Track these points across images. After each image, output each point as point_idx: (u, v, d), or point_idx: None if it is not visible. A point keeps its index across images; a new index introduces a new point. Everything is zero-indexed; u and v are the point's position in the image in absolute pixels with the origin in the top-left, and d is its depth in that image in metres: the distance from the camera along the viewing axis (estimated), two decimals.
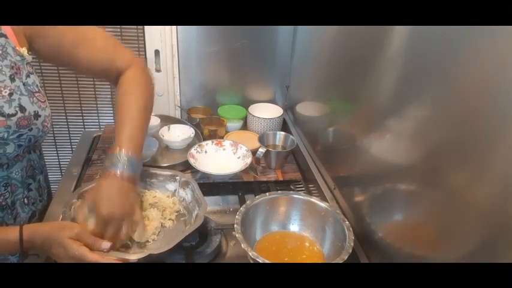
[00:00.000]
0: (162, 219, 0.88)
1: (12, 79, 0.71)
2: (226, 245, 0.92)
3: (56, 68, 1.42)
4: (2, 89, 0.69)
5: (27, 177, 0.82)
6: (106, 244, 0.71)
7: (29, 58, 0.75)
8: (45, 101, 0.76)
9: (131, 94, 0.83)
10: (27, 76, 0.74)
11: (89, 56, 0.81)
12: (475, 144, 0.53)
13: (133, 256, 0.71)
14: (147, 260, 0.71)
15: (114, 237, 0.74)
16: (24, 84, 0.73)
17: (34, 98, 0.74)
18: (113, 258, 0.70)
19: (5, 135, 0.69)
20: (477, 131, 0.53)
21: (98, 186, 0.75)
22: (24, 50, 0.74)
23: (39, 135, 0.75)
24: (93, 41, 0.82)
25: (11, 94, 0.70)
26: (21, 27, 0.73)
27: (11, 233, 0.68)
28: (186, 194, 0.92)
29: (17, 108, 0.70)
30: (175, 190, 0.94)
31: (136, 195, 0.81)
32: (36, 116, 0.73)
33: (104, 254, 0.70)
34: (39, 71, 1.42)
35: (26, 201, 0.83)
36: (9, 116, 0.69)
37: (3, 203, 0.77)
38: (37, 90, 0.75)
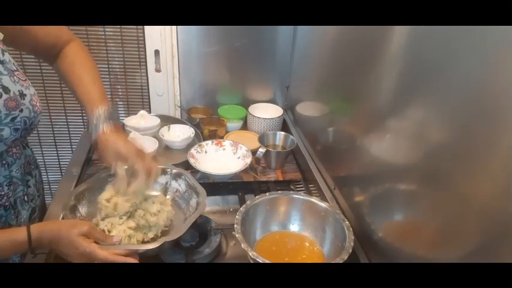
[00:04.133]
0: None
1: None
2: (226, 245, 0.92)
3: None
4: None
5: (25, 174, 0.82)
6: (117, 237, 0.73)
7: (0, 36, 0.72)
8: (26, 79, 0.75)
9: (85, 62, 0.86)
10: (3, 54, 0.71)
11: (39, 30, 0.81)
12: (475, 144, 0.53)
13: (148, 246, 0.73)
14: (161, 249, 0.73)
15: (150, 167, 0.79)
16: (1, 62, 0.70)
17: (15, 77, 0.71)
18: (124, 252, 0.71)
19: None
20: (477, 130, 0.53)
21: (106, 143, 0.79)
22: None
23: (32, 116, 0.73)
24: None
25: None
26: None
27: (19, 234, 0.67)
28: (179, 185, 0.93)
29: (0, 90, 0.68)
30: (166, 182, 0.94)
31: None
32: (22, 95, 0.71)
33: (114, 251, 0.70)
34: (39, 71, 1.42)
35: (26, 198, 0.83)
36: None
37: (6, 203, 0.76)
38: (15, 68, 0.73)
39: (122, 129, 0.82)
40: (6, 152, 0.75)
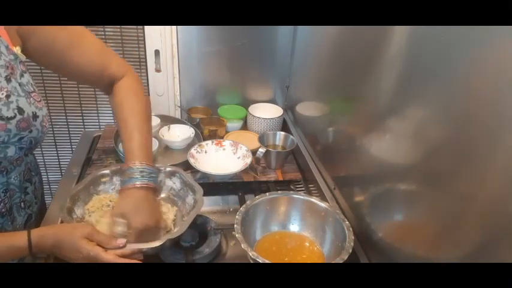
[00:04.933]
0: None
1: (8, 80, 0.69)
2: (226, 245, 0.92)
3: None
4: None
5: (24, 181, 0.81)
6: (121, 240, 0.72)
7: (23, 57, 0.73)
8: (40, 100, 0.75)
9: (133, 104, 0.83)
10: (21, 76, 0.72)
11: (80, 60, 0.80)
12: (475, 144, 0.53)
13: (151, 244, 0.73)
14: (162, 247, 0.74)
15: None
16: (20, 84, 0.71)
17: (31, 99, 0.72)
18: (128, 252, 0.70)
19: (6, 139, 0.68)
20: (477, 131, 0.53)
21: (124, 200, 0.76)
22: (17, 49, 0.72)
23: (39, 136, 0.73)
24: (87, 45, 0.81)
25: (8, 96, 0.68)
26: (14, 26, 0.71)
27: (19, 239, 0.66)
28: (174, 183, 0.93)
29: (16, 111, 0.68)
30: (160, 181, 0.93)
31: (159, 203, 0.84)
32: (35, 117, 0.72)
33: (118, 252, 0.70)
34: (39, 71, 1.42)
35: (22, 205, 0.81)
36: (8, 119, 0.67)
37: (3, 209, 0.76)
38: (32, 90, 0.73)
39: (153, 190, 0.79)
40: None
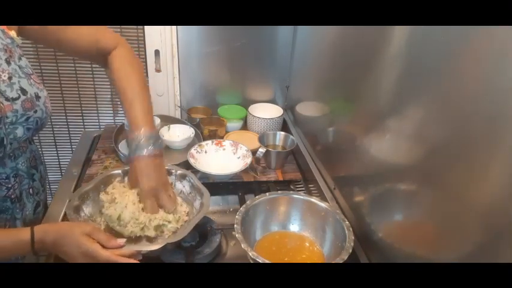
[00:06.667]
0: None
1: (8, 62, 0.71)
2: (226, 245, 0.92)
3: (56, 67, 1.42)
4: (1, 73, 0.70)
5: (31, 168, 0.84)
6: (121, 240, 0.73)
7: (19, 41, 0.75)
8: (40, 82, 0.78)
9: (128, 73, 0.86)
10: (20, 59, 0.75)
11: (73, 38, 0.83)
12: (475, 144, 0.53)
13: (151, 247, 0.73)
14: (161, 250, 0.74)
15: (156, 208, 0.80)
16: (19, 67, 0.73)
17: (31, 80, 0.75)
18: (127, 252, 0.71)
19: (14, 119, 0.71)
20: (477, 131, 0.53)
21: (134, 169, 0.81)
22: (13, 33, 0.74)
23: (43, 116, 0.76)
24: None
25: (10, 78, 0.71)
26: None
27: (22, 234, 0.68)
28: (184, 186, 0.93)
29: (19, 92, 0.71)
30: (171, 183, 0.94)
31: (164, 168, 0.87)
32: (37, 97, 0.74)
33: (116, 252, 0.70)
34: (39, 70, 1.42)
35: (31, 191, 0.84)
36: (13, 99, 0.70)
37: (13, 195, 0.77)
38: (31, 72, 0.76)
39: (158, 156, 0.83)
40: None
